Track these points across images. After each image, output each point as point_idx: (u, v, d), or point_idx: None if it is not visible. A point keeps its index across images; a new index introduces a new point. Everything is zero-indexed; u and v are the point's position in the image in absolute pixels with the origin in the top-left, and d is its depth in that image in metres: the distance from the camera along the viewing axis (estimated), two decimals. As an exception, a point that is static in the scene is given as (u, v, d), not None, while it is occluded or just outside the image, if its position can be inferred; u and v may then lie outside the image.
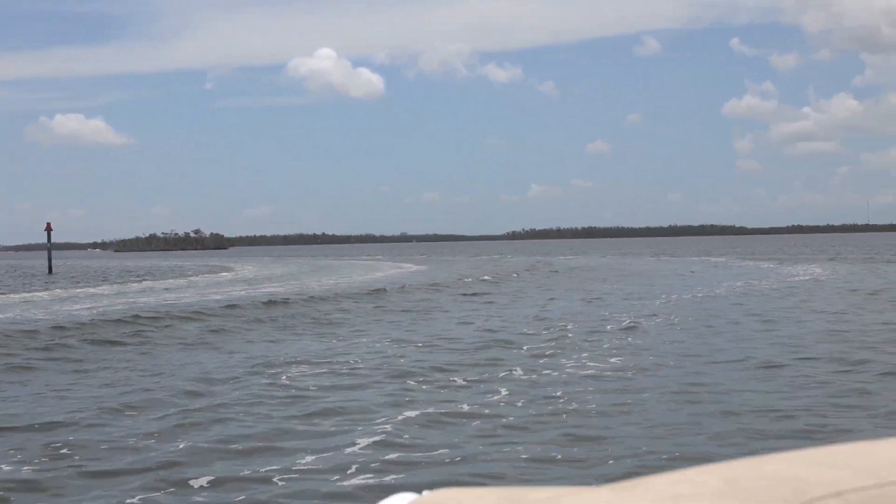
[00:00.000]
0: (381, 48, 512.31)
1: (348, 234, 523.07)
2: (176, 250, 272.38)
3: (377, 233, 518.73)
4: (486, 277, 44.22)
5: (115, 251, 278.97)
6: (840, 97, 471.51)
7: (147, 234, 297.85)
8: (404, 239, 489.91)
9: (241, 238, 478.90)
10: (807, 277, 38.45)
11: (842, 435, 9.29)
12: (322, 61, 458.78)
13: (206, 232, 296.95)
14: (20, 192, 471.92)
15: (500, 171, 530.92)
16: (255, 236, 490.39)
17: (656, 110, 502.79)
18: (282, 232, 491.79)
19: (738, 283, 35.68)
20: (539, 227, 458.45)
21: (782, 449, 0.86)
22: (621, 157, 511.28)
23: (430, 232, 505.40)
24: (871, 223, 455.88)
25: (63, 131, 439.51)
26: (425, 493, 0.91)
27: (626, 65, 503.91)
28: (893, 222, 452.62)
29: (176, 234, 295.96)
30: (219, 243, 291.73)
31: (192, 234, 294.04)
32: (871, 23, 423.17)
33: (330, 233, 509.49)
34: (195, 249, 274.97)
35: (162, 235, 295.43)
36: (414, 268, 63.64)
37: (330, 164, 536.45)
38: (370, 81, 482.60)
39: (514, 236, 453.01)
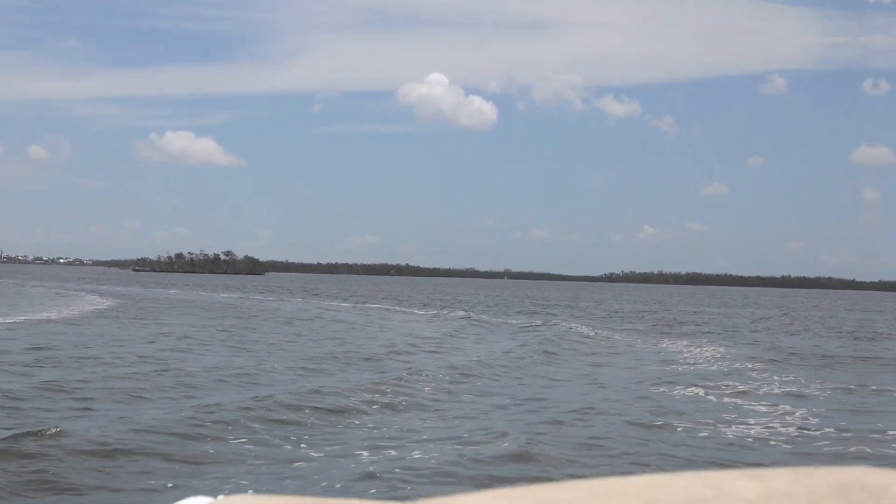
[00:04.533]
0: (493, 77, 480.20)
1: (448, 267, 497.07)
2: (203, 273, 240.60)
3: (480, 268, 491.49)
4: None
5: (133, 270, 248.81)
6: None
7: (174, 254, 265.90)
8: (504, 275, 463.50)
9: (343, 265, 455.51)
10: None
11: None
12: (433, 87, 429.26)
13: (240, 254, 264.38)
14: (128, 208, 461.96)
15: (612, 209, 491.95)
16: (336, 264, 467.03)
17: (780, 153, 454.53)
18: (380, 260, 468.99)
19: None
20: (641, 269, 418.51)
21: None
22: (739, 202, 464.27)
23: (535, 269, 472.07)
24: None
25: (172, 149, 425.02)
26: (220, 497, 0.88)
27: (750, 104, 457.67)
28: None
29: (205, 255, 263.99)
30: (252, 267, 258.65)
31: (223, 256, 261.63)
32: None
33: (428, 266, 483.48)
34: (225, 273, 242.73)
35: (188, 256, 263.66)
36: None
37: (436, 194, 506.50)
38: (482, 110, 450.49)
39: (610, 278, 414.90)
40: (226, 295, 73.57)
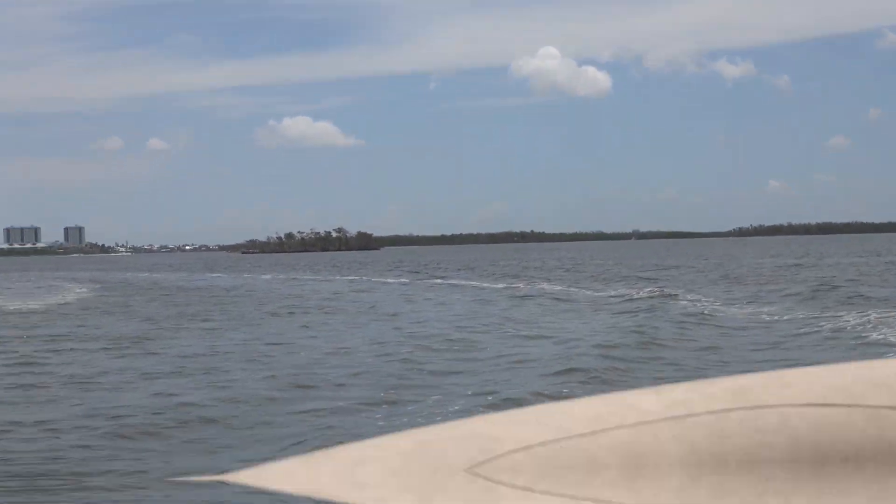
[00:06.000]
0: (605, 47, 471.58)
1: (575, 231, 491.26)
2: (315, 251, 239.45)
3: (607, 230, 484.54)
4: None
5: (243, 253, 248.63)
6: None
7: (283, 234, 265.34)
8: (632, 236, 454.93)
9: (467, 235, 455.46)
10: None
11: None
12: (546, 60, 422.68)
13: (352, 230, 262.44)
14: (253, 193, 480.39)
15: (736, 165, 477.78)
16: (459, 234, 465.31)
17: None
18: (508, 229, 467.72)
19: None
20: (769, 222, 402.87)
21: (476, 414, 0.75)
22: (863, 152, 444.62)
23: (663, 228, 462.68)
24: None
25: (291, 134, 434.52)
26: None
27: (865, 60, 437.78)
28: None
29: (316, 233, 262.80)
30: (365, 243, 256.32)
31: (335, 233, 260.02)
32: None
33: (553, 231, 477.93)
34: (338, 250, 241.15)
35: (298, 235, 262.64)
36: None
37: (557, 162, 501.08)
38: (596, 79, 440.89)
39: (741, 233, 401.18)
40: (278, 276, 69.04)
